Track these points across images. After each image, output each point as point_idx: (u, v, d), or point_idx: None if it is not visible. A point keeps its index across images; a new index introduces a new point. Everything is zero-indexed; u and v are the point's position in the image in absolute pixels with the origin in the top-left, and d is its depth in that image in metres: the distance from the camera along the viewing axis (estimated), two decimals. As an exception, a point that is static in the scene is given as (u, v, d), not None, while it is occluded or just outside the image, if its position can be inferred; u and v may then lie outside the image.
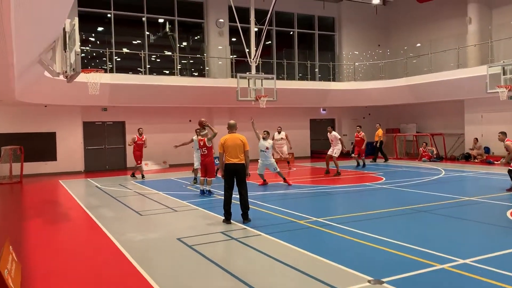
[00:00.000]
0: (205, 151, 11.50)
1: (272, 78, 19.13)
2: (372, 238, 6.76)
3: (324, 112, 25.34)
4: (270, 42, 23.49)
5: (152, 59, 20.92)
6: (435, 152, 21.19)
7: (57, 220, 9.43)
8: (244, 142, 8.21)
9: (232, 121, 8.45)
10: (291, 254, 6.13)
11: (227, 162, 8.16)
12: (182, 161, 21.31)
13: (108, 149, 20.22)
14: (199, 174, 12.58)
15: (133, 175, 16.51)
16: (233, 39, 22.22)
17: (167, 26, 21.72)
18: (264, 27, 18.72)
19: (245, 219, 8.11)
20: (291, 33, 24.39)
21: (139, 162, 16.16)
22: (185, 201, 10.75)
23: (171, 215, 9.26)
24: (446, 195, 10.71)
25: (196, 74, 22.05)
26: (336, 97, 23.11)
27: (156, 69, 20.79)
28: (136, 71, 19.72)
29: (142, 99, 19.14)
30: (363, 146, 18.60)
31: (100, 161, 20.02)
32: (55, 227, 8.74)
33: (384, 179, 14.20)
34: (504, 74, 16.82)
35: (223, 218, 8.26)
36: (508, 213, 8.52)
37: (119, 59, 19.56)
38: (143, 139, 16.28)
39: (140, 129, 16.40)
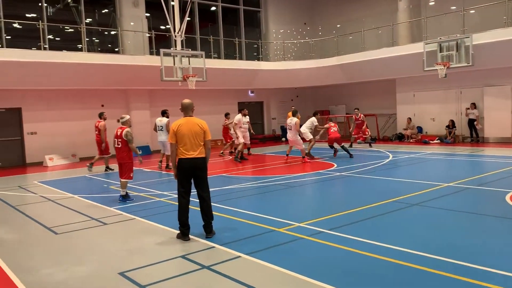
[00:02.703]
0: (119, 144, 8.93)
1: (201, 56, 16.84)
2: (385, 250, 5.12)
3: (252, 94, 23.61)
4: (190, 18, 20.97)
5: (52, 36, 17.28)
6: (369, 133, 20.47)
7: None
8: (204, 129, 6.07)
9: (187, 100, 6.22)
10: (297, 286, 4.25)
11: (182, 156, 5.98)
12: (95, 153, 18.21)
13: (0, 142, 16.48)
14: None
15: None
16: (147, 14, 19.37)
17: (69, -5, 18.29)
18: (190, -3, 16.30)
19: (209, 232, 6.03)
20: (214, 8, 22.11)
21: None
22: (113, 208, 8.30)
23: (99, 230, 6.82)
24: (418, 182, 9.56)
25: (108, 51, 18.87)
26: (265, 78, 21.46)
27: (58, 46, 17.30)
28: (34, 47, 16.13)
29: (42, 81, 15.73)
30: (364, 127, 17.87)
31: (-10, 157, 16.26)
32: None
33: (335, 165, 12.85)
34: (441, 51, 16.35)
35: (178, 232, 6.10)
36: (507, 198, 7.47)
37: (10, 37, 15.84)
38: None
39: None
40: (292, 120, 14.06)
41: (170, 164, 14.23)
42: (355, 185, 9.72)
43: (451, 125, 18.32)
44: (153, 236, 6.29)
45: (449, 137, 18.18)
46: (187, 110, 6.14)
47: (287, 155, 14.71)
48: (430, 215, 6.82)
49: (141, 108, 19.16)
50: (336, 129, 15.36)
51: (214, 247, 5.60)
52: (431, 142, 18.53)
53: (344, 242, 5.49)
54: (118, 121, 18.77)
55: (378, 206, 7.45)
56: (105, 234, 6.62)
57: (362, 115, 17.99)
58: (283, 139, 22.70)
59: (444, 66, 15.96)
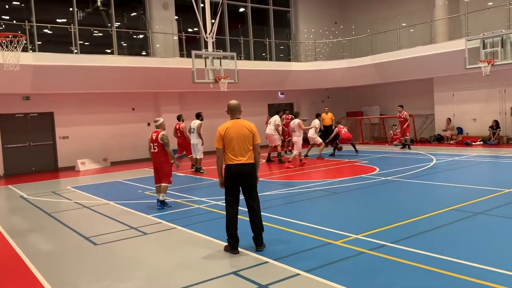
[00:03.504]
0: (155, 149, 8.52)
1: (232, 58, 16.41)
2: (466, 269, 4.52)
3: (282, 96, 23.09)
4: (218, 18, 20.60)
5: (82, 41, 17.15)
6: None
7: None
8: (254, 132, 5.60)
9: (234, 101, 5.75)
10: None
11: (230, 162, 5.52)
12: (126, 157, 18.13)
13: (34, 147, 16.45)
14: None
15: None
16: (177, 17, 19.09)
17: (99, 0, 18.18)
18: (221, -2, 15.91)
19: (260, 245, 5.54)
20: (242, 9, 21.71)
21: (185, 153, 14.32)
22: (151, 216, 7.92)
23: (140, 241, 6.43)
24: (474, 187, 8.86)
25: (138, 54, 18.67)
26: (296, 79, 20.92)
27: (89, 49, 17.20)
28: (65, 51, 16.04)
29: (74, 84, 15.62)
30: (405, 126, 17.05)
31: (24, 162, 16.22)
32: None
33: (377, 169, 12.19)
34: (484, 48, 15.46)
35: (225, 244, 5.64)
36: None
37: (40, 42, 15.76)
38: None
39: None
40: (294, 122, 13.87)
41: (204, 168, 14.04)
42: (406, 191, 9.07)
43: (495, 125, 17.36)
44: (198, 248, 5.84)
45: (493, 138, 17.22)
46: (234, 111, 5.67)
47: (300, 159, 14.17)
48: (502, 226, 6.15)
49: (171, 111, 18.85)
50: (346, 130, 16.63)
51: (267, 262, 5.10)
52: (474, 144, 17.59)
53: (415, 258, 4.91)
54: (149, 124, 18.79)
55: (439, 215, 6.82)
56: (146, 245, 6.21)
57: (405, 112, 17.09)
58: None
59: (488, 64, 15.08)
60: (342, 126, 16.74)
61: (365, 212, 7.46)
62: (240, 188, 5.59)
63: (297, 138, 13.60)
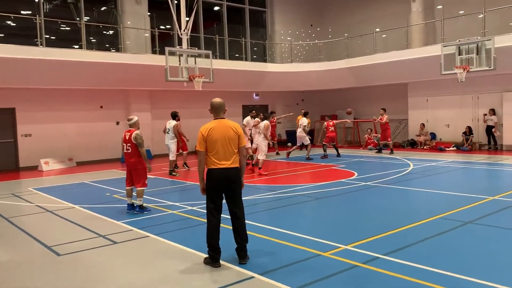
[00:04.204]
0: (128, 149, 7.91)
1: (207, 56, 15.88)
2: (470, 285, 4.19)
3: (257, 97, 22.69)
4: (194, 16, 20.00)
5: (49, 36, 16.16)
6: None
7: None
8: (239, 133, 5.13)
9: (217, 99, 5.27)
10: None
11: (213, 167, 5.02)
12: (93, 158, 17.26)
13: (-8, 145, 15.40)
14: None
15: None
16: (150, 13, 18.37)
17: (67, -9, 17.30)
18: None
19: (244, 257, 5.06)
20: (217, 8, 21.20)
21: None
22: (121, 222, 7.30)
23: (110, 251, 5.83)
24: (457, 194, 8.70)
25: (108, 50, 17.81)
26: (271, 80, 20.56)
27: (56, 44, 16.24)
28: (29, 44, 15.05)
29: (38, 79, 14.71)
30: (385, 129, 16.84)
31: (-20, 161, 15.14)
32: None
33: (356, 173, 11.94)
34: (459, 54, 15.52)
35: (206, 257, 5.13)
36: None
37: (3, 34, 14.77)
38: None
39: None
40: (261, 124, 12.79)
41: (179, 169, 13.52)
42: (389, 198, 8.79)
43: (468, 131, 17.51)
44: (175, 260, 5.31)
45: (466, 144, 17.36)
46: (218, 111, 5.18)
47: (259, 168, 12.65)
48: (495, 236, 5.90)
49: (142, 109, 18.13)
50: (333, 128, 16.32)
51: (253, 277, 4.63)
52: (447, 149, 17.69)
53: (413, 273, 4.55)
54: (118, 123, 18.00)
55: (428, 224, 6.54)
56: (117, 256, 5.62)
57: (386, 116, 16.79)
58: (289, 144, 21.85)
59: (464, 70, 15.13)
60: (331, 123, 16.46)
61: (351, 220, 7.10)
62: (223, 195, 5.11)
63: (262, 141, 12.71)
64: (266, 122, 12.83)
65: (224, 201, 5.14)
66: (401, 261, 4.91)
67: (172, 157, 12.93)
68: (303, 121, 15.79)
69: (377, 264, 4.87)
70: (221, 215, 5.14)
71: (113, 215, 7.85)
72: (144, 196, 8.22)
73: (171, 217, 7.57)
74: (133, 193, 8.12)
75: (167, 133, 12.97)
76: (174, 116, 13.14)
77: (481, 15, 16.62)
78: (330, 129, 16.40)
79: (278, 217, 7.44)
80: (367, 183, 10.36)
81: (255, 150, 13.04)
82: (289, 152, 16.59)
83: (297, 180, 11.34)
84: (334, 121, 16.96)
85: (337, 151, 16.71)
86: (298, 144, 16.35)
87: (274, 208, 8.16)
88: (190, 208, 8.13)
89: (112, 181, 12.11)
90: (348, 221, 7.07)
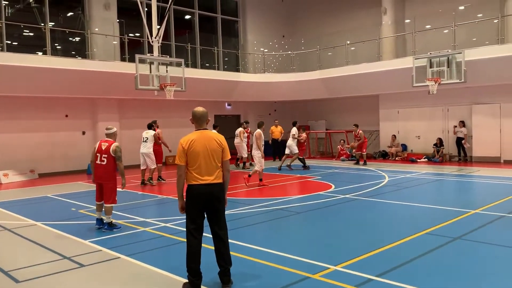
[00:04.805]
0: (103, 161, 7.34)
1: (179, 64, 15.40)
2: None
3: (230, 107, 22.31)
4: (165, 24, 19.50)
5: (10, 41, 15.30)
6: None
7: None
8: (223, 146, 4.71)
9: (200, 108, 4.81)
10: None
11: (194, 182, 4.58)
12: (57, 169, 16.37)
13: None
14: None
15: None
16: (119, 20, 17.75)
17: (31, -5, 16.50)
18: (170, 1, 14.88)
19: (227, 282, 4.62)
20: (189, 16, 20.79)
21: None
22: (88, 241, 6.71)
23: (76, 276, 5.25)
24: (438, 208, 8.56)
25: (74, 55, 17.03)
26: (244, 90, 20.25)
27: (19, 50, 15.36)
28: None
29: (-2, 86, 13.81)
30: (361, 143, 17.12)
31: None
32: None
33: (333, 186, 11.70)
34: (431, 67, 15.70)
35: (185, 282, 4.66)
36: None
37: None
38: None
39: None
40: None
41: (154, 180, 13.03)
42: (371, 212, 8.53)
43: (439, 143, 17.69)
44: (151, 285, 4.82)
45: (437, 156, 17.52)
46: (201, 121, 4.74)
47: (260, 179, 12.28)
48: (490, 254, 5.69)
49: (109, 119, 17.37)
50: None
51: (239, 305, 4.21)
52: (419, 160, 17.80)
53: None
54: (84, 133, 17.20)
55: (416, 240, 6.29)
56: (84, 281, 5.06)
57: (361, 131, 17.07)
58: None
59: (435, 83, 15.29)
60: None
61: (337, 237, 6.78)
62: (205, 214, 4.67)
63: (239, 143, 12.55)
64: (258, 130, 12.45)
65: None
66: (396, 283, 4.60)
67: (153, 166, 12.77)
68: (293, 130, 16.16)
69: (372, 287, 4.54)
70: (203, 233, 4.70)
71: (79, 233, 7.24)
72: (114, 212, 7.66)
73: (144, 235, 7.03)
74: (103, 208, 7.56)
75: (145, 142, 12.80)
76: (150, 126, 13.08)
77: (446, 31, 17.00)
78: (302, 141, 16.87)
79: (261, 235, 7.04)
80: (346, 195, 10.12)
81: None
82: (290, 165, 16.18)
83: (275, 193, 10.98)
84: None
85: (304, 163, 16.47)
86: (286, 153, 16.12)
87: (255, 224, 7.76)
88: (164, 225, 7.60)
89: (78, 195, 11.40)
90: (334, 238, 6.74)
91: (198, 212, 4.59)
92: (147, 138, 12.76)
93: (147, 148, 12.70)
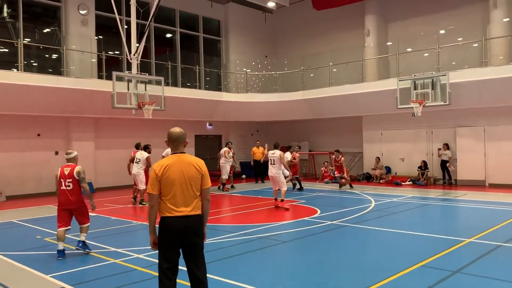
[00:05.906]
0: (69, 186, 7.06)
1: (159, 83, 14.86)
2: None
3: (211, 127, 21.77)
4: (146, 42, 19.00)
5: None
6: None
7: None
8: (203, 172, 4.16)
9: (177, 129, 4.24)
10: None
11: (168, 214, 3.99)
12: (27, 191, 15.45)
13: None
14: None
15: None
16: (97, 37, 17.19)
17: (5, 10, 15.84)
18: (150, 16, 14.39)
19: (206, 329, 4.02)
20: (170, 35, 20.38)
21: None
22: (49, 276, 5.99)
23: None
24: (431, 236, 8.09)
25: (50, 72, 16.29)
26: (226, 110, 19.78)
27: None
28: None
29: (-36, 103, 13.00)
30: (344, 169, 16.69)
31: None
32: None
33: (319, 211, 11.18)
34: (415, 89, 15.54)
35: (157, 329, 4.02)
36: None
37: None
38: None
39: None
40: (275, 153, 11.90)
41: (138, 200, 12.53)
42: (361, 241, 8.02)
43: (424, 166, 17.44)
44: (117, 334, 4.16)
45: (422, 179, 17.22)
46: (177, 143, 4.18)
47: (275, 199, 12.14)
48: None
49: (84, 138, 16.65)
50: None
51: None
52: (403, 183, 17.48)
53: None
54: (57, 153, 16.39)
55: (412, 274, 5.79)
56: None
57: (343, 158, 16.65)
58: (243, 176, 21.00)
59: (419, 105, 15.08)
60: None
61: (330, 270, 6.21)
62: (180, 250, 4.07)
63: (277, 174, 11.80)
64: (280, 152, 11.98)
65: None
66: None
67: (142, 186, 12.56)
68: (288, 155, 16.11)
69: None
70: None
71: (42, 265, 6.52)
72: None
73: (114, 269, 6.34)
74: (66, 235, 7.01)
75: (137, 163, 12.68)
76: (146, 148, 13.28)
77: (426, 54, 16.98)
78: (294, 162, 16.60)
79: (244, 268, 6.41)
80: (333, 222, 9.60)
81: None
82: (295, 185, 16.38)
83: (258, 219, 10.38)
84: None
85: (300, 183, 16.53)
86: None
87: (238, 255, 7.13)
88: (136, 256, 6.93)
89: (46, 220, 10.59)
90: (326, 271, 6.18)
91: (173, 248, 3.99)
92: (140, 159, 12.76)
93: (137, 169, 12.67)
